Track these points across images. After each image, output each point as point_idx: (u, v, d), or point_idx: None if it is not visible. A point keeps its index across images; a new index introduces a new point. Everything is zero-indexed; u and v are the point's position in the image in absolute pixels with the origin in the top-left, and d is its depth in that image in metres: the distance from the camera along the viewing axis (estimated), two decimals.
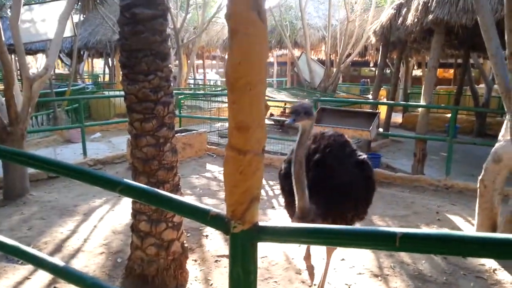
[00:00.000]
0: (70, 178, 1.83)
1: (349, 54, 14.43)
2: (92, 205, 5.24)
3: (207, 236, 4.31)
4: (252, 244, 1.34)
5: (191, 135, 7.98)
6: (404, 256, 3.89)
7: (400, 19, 7.84)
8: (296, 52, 17.25)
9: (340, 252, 3.93)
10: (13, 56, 13.01)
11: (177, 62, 14.85)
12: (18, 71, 9.95)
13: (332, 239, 1.33)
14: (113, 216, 4.85)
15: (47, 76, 5.62)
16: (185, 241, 3.47)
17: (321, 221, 2.49)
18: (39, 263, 2.03)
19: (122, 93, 3.28)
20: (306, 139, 2.49)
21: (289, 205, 2.86)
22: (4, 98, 5.23)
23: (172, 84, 3.32)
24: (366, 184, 2.92)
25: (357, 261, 3.79)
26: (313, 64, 14.88)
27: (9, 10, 14.26)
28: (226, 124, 10.72)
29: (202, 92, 16.00)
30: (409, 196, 5.81)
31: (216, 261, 3.78)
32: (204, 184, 6.30)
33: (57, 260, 2.05)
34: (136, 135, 3.17)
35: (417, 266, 3.71)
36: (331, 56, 15.63)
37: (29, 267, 3.55)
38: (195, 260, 3.78)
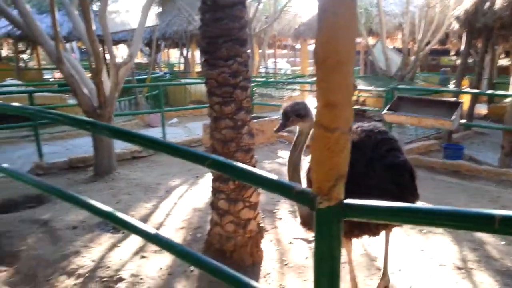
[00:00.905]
0: (166, 153, 1.98)
1: (428, 42, 13.61)
2: (172, 184, 5.57)
3: (280, 218, 4.39)
4: (338, 220, 1.34)
5: (264, 122, 8.09)
6: (490, 250, 3.65)
7: (487, 3, 7.25)
8: (370, 40, 16.65)
9: (419, 242, 3.81)
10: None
11: (249, 51, 15.04)
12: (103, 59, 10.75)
13: (423, 219, 1.28)
14: (192, 195, 5.12)
15: (131, 63, 6.02)
16: (260, 221, 3.58)
17: None
18: (134, 230, 2.22)
19: (198, 80, 3.42)
20: (304, 141, 2.12)
21: None
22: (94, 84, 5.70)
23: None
24: (398, 191, 2.35)
25: (437, 252, 3.63)
26: (389, 52, 14.27)
27: (96, 3, 15.35)
28: None
29: (273, 80, 16.08)
30: (495, 190, 5.41)
31: (290, 242, 3.84)
32: (276, 169, 6.38)
33: (149, 227, 2.23)
34: (216, 117, 3.31)
35: (505, 262, 3.46)
36: (408, 44, 14.86)
37: (119, 235, 3.89)
38: (270, 240, 3.87)
